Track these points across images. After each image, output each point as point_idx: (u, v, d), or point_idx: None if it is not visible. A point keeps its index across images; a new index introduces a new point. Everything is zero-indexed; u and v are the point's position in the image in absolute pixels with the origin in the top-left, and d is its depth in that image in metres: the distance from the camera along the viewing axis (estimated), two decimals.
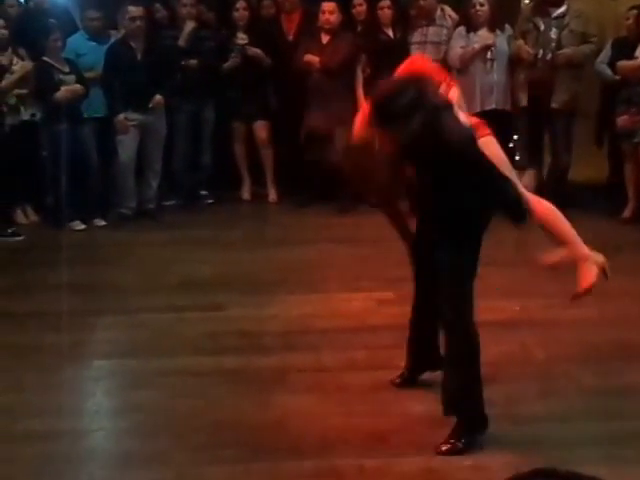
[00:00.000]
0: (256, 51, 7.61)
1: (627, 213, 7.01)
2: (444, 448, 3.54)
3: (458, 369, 3.61)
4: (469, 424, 3.58)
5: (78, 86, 6.99)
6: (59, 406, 4.01)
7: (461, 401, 3.59)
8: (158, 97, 7.14)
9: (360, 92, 7.47)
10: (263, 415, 3.94)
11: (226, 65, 7.68)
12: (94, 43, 7.37)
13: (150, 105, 7.12)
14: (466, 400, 3.59)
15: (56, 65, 6.96)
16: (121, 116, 7.11)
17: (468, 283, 3.54)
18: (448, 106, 3.30)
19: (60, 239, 6.33)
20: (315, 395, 4.12)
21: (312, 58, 7.41)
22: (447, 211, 3.44)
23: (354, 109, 7.40)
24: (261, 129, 7.89)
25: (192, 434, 3.78)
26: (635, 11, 6.95)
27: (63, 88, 6.90)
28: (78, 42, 7.36)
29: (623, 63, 6.83)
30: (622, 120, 6.83)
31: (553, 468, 1.08)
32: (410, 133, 3.16)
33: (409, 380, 4.17)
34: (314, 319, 5.03)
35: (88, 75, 7.16)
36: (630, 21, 6.99)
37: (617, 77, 6.93)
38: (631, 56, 6.82)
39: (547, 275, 5.69)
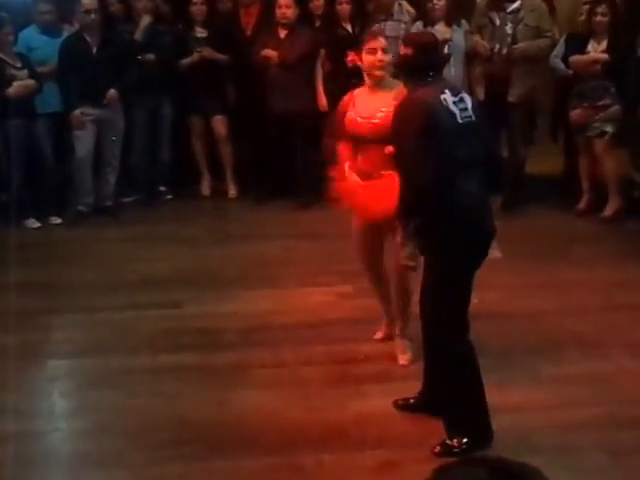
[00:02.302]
0: (214, 55, 7.58)
1: (582, 206, 7.10)
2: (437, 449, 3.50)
3: (449, 391, 3.55)
4: (470, 442, 3.50)
5: (31, 81, 6.87)
6: (14, 407, 3.95)
7: (457, 423, 3.53)
8: (112, 91, 7.07)
9: (320, 87, 7.47)
10: (223, 412, 3.94)
11: (184, 61, 7.63)
12: (46, 37, 7.23)
13: (105, 101, 7.06)
14: (464, 422, 3.53)
15: (7, 60, 6.84)
16: (77, 111, 7.01)
17: (450, 303, 3.48)
18: None
19: (15, 237, 6.24)
20: (275, 391, 4.13)
21: (270, 53, 7.38)
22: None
23: (314, 102, 7.46)
24: (219, 124, 7.85)
25: (150, 433, 3.77)
26: (587, 6, 7.02)
27: (15, 83, 6.76)
28: (30, 36, 7.22)
29: (575, 58, 6.90)
30: (575, 114, 6.90)
31: (482, 456, 1.11)
32: None
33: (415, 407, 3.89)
34: (274, 315, 5.02)
35: (41, 69, 7.03)
36: (583, 16, 7.07)
37: (570, 72, 7.00)
38: (583, 51, 6.89)
39: (505, 268, 5.77)
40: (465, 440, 3.50)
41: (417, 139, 3.37)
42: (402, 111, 3.53)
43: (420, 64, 3.61)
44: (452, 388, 3.55)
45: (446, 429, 3.55)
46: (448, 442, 3.51)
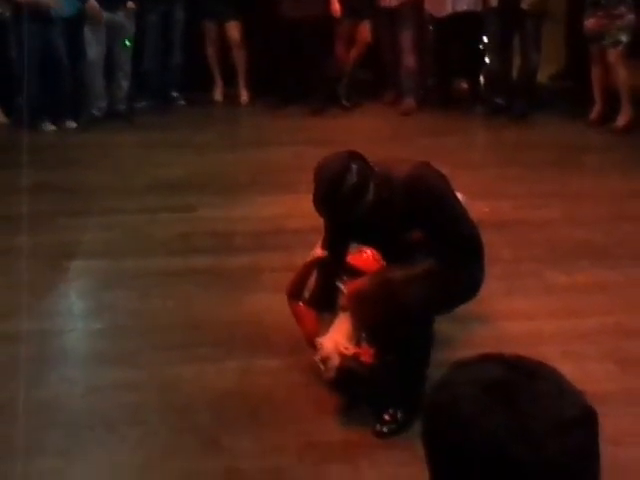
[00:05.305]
0: None
1: (593, 115, 7.02)
2: (385, 430, 3.19)
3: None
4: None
5: None
6: (31, 307, 4.02)
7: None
8: (130, 3, 7.00)
9: None
10: (235, 314, 4.01)
11: None
12: None
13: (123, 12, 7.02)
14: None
15: None
16: (92, 1, 6.93)
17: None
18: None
19: (30, 141, 6.25)
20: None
21: None
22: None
23: (327, 8, 7.33)
24: (233, 29, 7.74)
25: (164, 334, 3.84)
26: None
27: None
28: None
29: None
30: (590, 23, 6.77)
31: (500, 353, 1.09)
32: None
33: None
34: (286, 219, 5.06)
35: None
36: None
37: None
38: None
39: (516, 177, 5.77)
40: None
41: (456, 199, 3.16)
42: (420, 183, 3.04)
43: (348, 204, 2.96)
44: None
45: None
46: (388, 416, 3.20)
